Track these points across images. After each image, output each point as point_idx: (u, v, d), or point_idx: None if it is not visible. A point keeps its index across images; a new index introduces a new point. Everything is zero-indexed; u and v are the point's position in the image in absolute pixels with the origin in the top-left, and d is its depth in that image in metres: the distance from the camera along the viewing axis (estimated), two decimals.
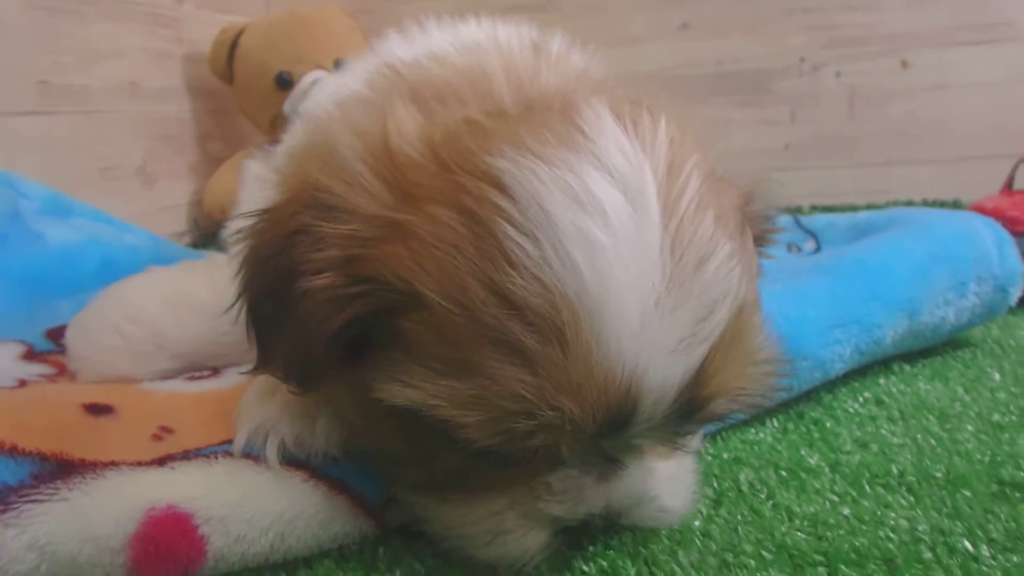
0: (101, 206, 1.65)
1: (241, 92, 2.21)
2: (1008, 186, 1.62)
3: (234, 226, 0.67)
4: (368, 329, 0.57)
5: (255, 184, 0.92)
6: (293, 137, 0.90)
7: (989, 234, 1.15)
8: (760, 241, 0.68)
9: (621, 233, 0.51)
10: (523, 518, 0.61)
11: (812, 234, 1.50)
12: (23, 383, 0.86)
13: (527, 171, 0.52)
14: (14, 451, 0.62)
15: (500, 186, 0.52)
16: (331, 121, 0.73)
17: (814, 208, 2.28)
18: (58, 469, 0.62)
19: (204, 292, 0.93)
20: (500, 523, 0.61)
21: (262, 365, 0.65)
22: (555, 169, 0.52)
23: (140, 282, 0.96)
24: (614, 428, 0.54)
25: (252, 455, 0.68)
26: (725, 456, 0.83)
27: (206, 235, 2.16)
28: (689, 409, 0.56)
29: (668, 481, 0.64)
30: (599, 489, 0.60)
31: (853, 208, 2.21)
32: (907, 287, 1.04)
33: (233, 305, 0.65)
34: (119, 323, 0.90)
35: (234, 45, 2.16)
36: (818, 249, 1.43)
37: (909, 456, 0.81)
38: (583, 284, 0.50)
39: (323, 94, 0.90)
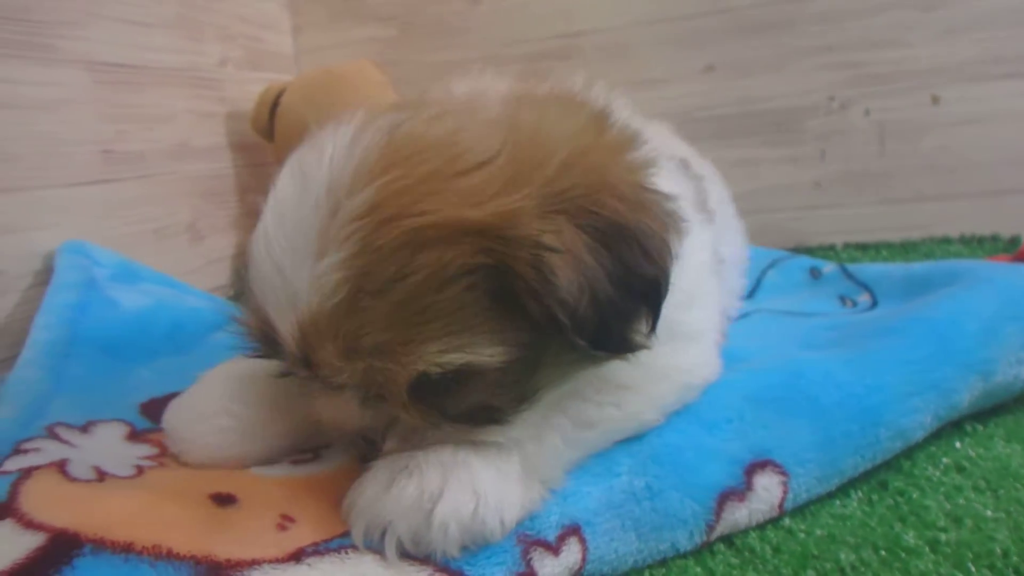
0: (155, 265, 1.70)
1: (282, 147, 2.24)
2: None
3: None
4: None
5: None
6: None
7: None
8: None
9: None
10: None
11: (866, 286, 1.49)
12: (140, 471, 0.86)
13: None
14: (171, 555, 0.64)
15: None
16: None
17: (847, 246, 2.31)
18: (210, 572, 0.64)
19: None
20: None
21: (621, 349, 0.76)
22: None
23: (238, 365, 0.95)
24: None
25: (374, 548, 0.70)
26: (818, 532, 0.83)
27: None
28: None
29: None
30: None
31: (887, 245, 2.24)
32: (980, 348, 1.04)
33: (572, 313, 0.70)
34: (228, 405, 0.90)
35: (275, 103, 2.21)
36: (875, 303, 1.42)
37: (1007, 532, 0.80)
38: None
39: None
